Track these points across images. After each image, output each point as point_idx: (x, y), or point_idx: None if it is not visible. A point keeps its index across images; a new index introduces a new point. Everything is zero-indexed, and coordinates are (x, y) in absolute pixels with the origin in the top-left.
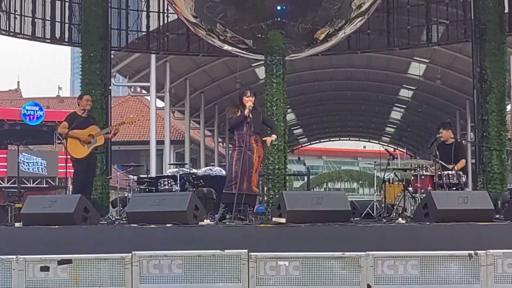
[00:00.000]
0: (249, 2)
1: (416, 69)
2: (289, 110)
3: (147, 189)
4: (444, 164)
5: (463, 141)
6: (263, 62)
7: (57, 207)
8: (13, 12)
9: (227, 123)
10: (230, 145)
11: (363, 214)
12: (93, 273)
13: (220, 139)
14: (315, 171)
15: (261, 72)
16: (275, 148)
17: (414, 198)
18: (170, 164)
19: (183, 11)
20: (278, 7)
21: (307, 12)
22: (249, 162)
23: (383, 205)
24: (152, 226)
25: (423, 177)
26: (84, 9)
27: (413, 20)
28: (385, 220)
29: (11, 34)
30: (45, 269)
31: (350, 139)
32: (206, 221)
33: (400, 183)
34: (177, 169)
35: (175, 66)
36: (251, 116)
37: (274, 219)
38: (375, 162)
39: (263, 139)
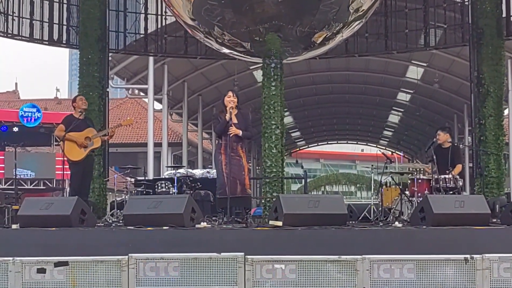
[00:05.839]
0: (247, 5)
1: (414, 72)
2: (287, 113)
3: (144, 192)
4: (436, 170)
5: (460, 145)
6: (261, 65)
7: (54, 209)
8: (11, 13)
9: (213, 129)
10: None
11: (360, 218)
12: (90, 275)
13: None
14: (313, 174)
15: (259, 75)
16: (272, 151)
17: (411, 201)
18: (167, 167)
19: (181, 14)
20: (276, 10)
21: (304, 15)
22: (240, 166)
23: (380, 209)
24: (149, 228)
25: (420, 180)
26: (82, 11)
27: (411, 24)
28: (381, 224)
29: (9, 35)
30: (41, 271)
31: (348, 142)
32: (203, 224)
33: (397, 186)
34: (174, 172)
35: (173, 69)
36: (235, 120)
37: (270, 222)
38: (372, 165)
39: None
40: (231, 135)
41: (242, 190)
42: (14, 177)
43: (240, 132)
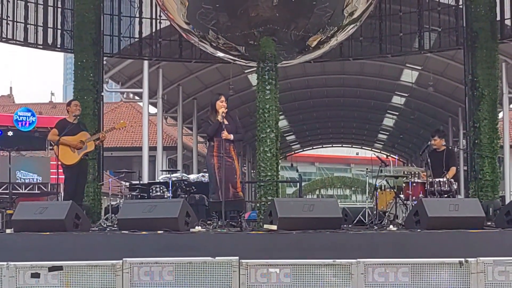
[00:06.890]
0: (242, 9)
1: (409, 76)
2: (281, 117)
3: (139, 196)
4: (431, 173)
5: (455, 148)
6: (255, 68)
7: (48, 214)
8: (5, 18)
9: (205, 131)
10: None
11: (355, 221)
12: (84, 280)
13: None
14: (308, 177)
15: (253, 78)
16: (267, 154)
17: (406, 205)
18: (162, 171)
19: (176, 18)
20: (270, 14)
21: (299, 19)
22: (232, 169)
23: (375, 212)
24: (143, 233)
25: (414, 184)
26: (77, 15)
27: (405, 27)
28: (376, 227)
29: (3, 39)
30: (35, 275)
31: (343, 145)
32: (198, 228)
33: (392, 190)
34: (169, 176)
35: (168, 73)
36: (226, 122)
37: (265, 226)
38: (367, 169)
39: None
40: (223, 138)
41: (235, 193)
42: (8, 181)
43: (231, 137)
